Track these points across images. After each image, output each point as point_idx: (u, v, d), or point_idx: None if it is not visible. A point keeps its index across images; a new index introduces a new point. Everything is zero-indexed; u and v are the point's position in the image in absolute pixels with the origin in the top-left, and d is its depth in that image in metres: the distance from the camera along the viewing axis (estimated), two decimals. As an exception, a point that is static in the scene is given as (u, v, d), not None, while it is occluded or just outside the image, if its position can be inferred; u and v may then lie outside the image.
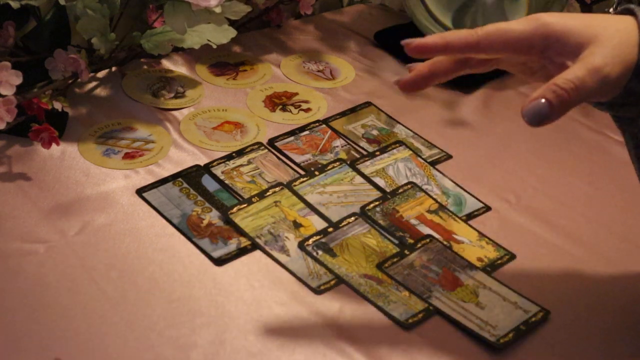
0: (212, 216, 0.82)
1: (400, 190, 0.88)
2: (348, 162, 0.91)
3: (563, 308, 0.76)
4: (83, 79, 0.91)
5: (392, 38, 1.17)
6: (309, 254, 0.78)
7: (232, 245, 0.79)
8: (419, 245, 0.81)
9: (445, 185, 0.90)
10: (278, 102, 1.01)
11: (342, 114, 1.00)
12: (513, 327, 0.73)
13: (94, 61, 0.96)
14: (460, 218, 0.86)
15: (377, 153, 0.93)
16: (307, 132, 0.96)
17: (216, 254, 0.77)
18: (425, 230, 0.83)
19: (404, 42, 0.71)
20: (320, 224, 0.82)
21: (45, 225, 0.78)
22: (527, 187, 0.92)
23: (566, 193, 0.92)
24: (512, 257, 0.82)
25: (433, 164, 0.93)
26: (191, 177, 0.86)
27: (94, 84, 0.99)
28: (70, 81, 0.93)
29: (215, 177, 0.86)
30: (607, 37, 0.65)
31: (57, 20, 0.95)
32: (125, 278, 0.74)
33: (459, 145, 0.97)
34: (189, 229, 0.80)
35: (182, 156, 0.89)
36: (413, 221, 0.84)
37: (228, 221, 0.81)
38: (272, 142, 0.94)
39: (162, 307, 0.71)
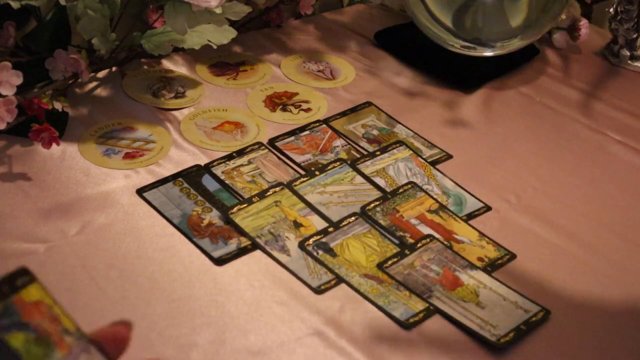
0: (213, 216, 0.82)
1: (401, 190, 0.88)
2: (348, 162, 0.91)
3: (563, 308, 0.76)
4: (83, 79, 0.91)
5: (392, 38, 1.17)
6: (309, 253, 0.78)
7: (233, 245, 0.79)
8: (419, 245, 0.81)
9: (446, 185, 0.90)
10: (278, 102, 1.01)
11: (343, 114, 1.00)
12: (513, 327, 0.73)
13: (94, 61, 0.96)
14: (460, 218, 0.86)
15: (378, 153, 0.93)
16: (307, 132, 0.96)
17: (216, 253, 0.77)
18: (426, 230, 0.83)
19: None
20: (321, 224, 0.82)
21: (45, 225, 0.78)
22: (527, 187, 0.92)
23: (566, 193, 0.92)
24: (513, 257, 0.82)
25: (433, 163, 0.93)
26: (191, 177, 0.86)
27: (94, 84, 0.99)
28: (70, 81, 0.93)
29: (215, 177, 0.86)
30: None
31: (57, 20, 0.95)
32: (126, 278, 0.74)
33: (459, 145, 0.97)
34: (190, 229, 0.80)
35: (183, 156, 0.89)
36: (413, 221, 0.84)
37: (228, 221, 0.81)
38: (272, 142, 0.94)
39: (162, 306, 0.71)
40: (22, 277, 0.46)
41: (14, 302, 0.44)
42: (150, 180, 0.85)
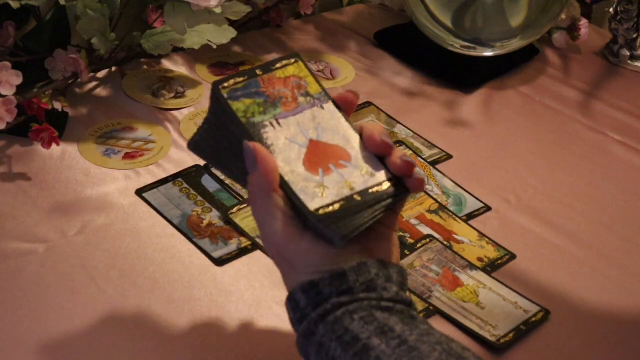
0: (213, 216, 0.82)
1: (401, 190, 0.88)
2: (348, 162, 0.91)
3: (563, 308, 0.76)
4: (83, 79, 0.91)
5: (392, 38, 1.17)
6: (309, 254, 0.78)
7: (233, 245, 0.79)
8: (419, 245, 0.81)
9: (446, 185, 0.90)
10: (278, 102, 1.01)
11: (342, 114, 1.00)
12: (513, 327, 0.73)
13: (94, 61, 0.96)
14: (460, 218, 0.86)
15: (377, 153, 0.93)
16: (307, 132, 0.96)
17: (217, 254, 0.77)
18: (426, 230, 0.83)
19: None
20: (321, 224, 0.82)
21: (45, 225, 0.78)
22: (527, 187, 0.92)
23: (566, 193, 0.92)
24: (512, 257, 0.82)
25: (433, 164, 0.93)
26: (191, 177, 0.86)
27: (94, 84, 0.99)
28: (70, 81, 0.93)
29: (215, 177, 0.86)
30: None
31: (57, 20, 0.95)
32: (126, 278, 0.74)
33: (459, 145, 0.97)
34: (190, 229, 0.80)
35: (183, 156, 0.89)
36: (413, 221, 0.84)
37: (228, 221, 0.81)
38: (272, 142, 0.93)
39: (162, 307, 0.71)
40: (286, 60, 0.64)
41: (258, 79, 0.62)
42: (150, 180, 0.85)
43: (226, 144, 0.62)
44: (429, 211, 0.86)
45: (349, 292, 0.57)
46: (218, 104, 0.62)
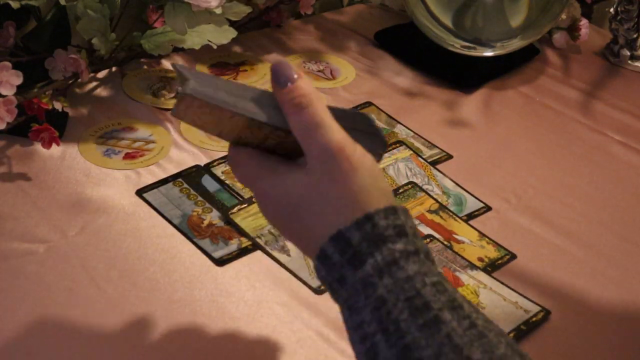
0: (213, 216, 0.82)
1: (401, 190, 0.88)
2: (348, 162, 0.91)
3: (563, 308, 0.76)
4: (83, 79, 0.91)
5: (392, 38, 1.17)
6: (309, 254, 0.78)
7: (233, 245, 0.79)
8: (419, 245, 0.81)
9: (446, 185, 0.90)
10: (278, 102, 1.01)
11: (343, 114, 1.00)
12: (513, 327, 0.73)
13: (94, 61, 0.96)
14: (460, 218, 0.86)
15: (378, 153, 0.93)
16: (307, 132, 0.96)
17: (217, 254, 0.77)
18: (426, 230, 0.83)
19: None
20: (321, 224, 0.82)
21: (45, 225, 0.78)
22: (527, 187, 0.92)
23: (566, 193, 0.92)
24: (513, 257, 0.82)
25: (433, 163, 0.93)
26: (191, 177, 0.86)
27: (94, 84, 0.99)
28: (70, 81, 0.93)
29: (215, 177, 0.86)
30: None
31: (57, 20, 0.95)
32: (126, 278, 0.74)
33: (459, 145, 0.97)
34: (190, 230, 0.80)
35: (183, 156, 0.89)
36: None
37: (229, 221, 0.81)
38: (272, 142, 0.93)
39: (162, 307, 0.71)
40: None
41: None
42: (151, 180, 0.85)
43: (224, 88, 0.56)
44: (429, 211, 0.86)
45: (404, 233, 0.51)
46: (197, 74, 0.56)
